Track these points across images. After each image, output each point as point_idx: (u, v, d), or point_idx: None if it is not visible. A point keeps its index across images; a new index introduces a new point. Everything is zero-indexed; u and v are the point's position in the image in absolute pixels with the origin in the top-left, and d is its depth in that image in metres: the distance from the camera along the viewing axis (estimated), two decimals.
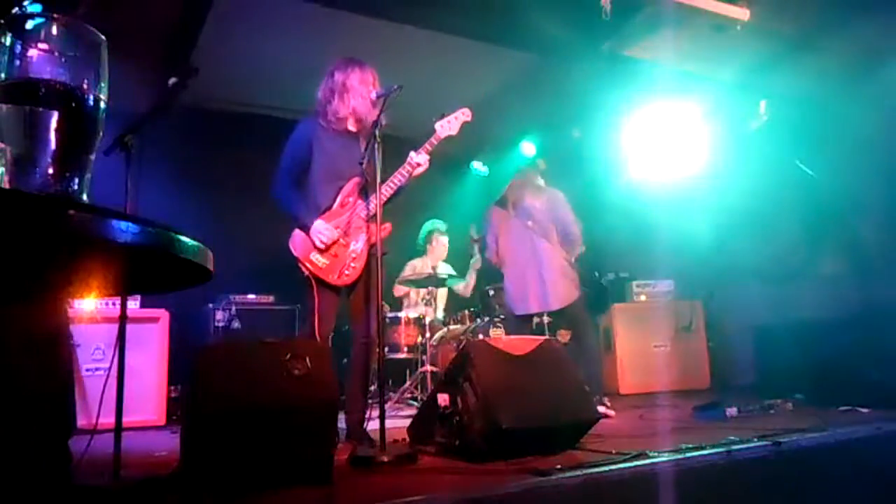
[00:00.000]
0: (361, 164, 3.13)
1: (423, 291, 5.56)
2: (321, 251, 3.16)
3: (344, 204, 3.23)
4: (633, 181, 6.14)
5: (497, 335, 5.00)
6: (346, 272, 3.18)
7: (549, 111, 6.07)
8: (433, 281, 5.35)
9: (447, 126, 3.38)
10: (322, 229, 3.14)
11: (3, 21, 0.85)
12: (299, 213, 3.19)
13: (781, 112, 5.52)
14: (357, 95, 3.26)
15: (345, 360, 5.09)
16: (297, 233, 3.19)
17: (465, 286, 5.71)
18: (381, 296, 2.88)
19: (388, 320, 5.06)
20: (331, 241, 3.14)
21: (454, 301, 5.87)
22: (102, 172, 1.13)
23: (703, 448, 2.48)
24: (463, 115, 3.42)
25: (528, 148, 6.84)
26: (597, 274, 5.75)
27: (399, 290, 5.71)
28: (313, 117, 3.33)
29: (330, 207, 3.21)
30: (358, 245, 3.21)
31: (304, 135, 3.29)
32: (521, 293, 4.36)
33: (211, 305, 4.92)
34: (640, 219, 5.86)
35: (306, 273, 3.15)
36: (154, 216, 0.82)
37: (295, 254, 3.16)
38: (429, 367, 4.78)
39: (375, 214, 2.96)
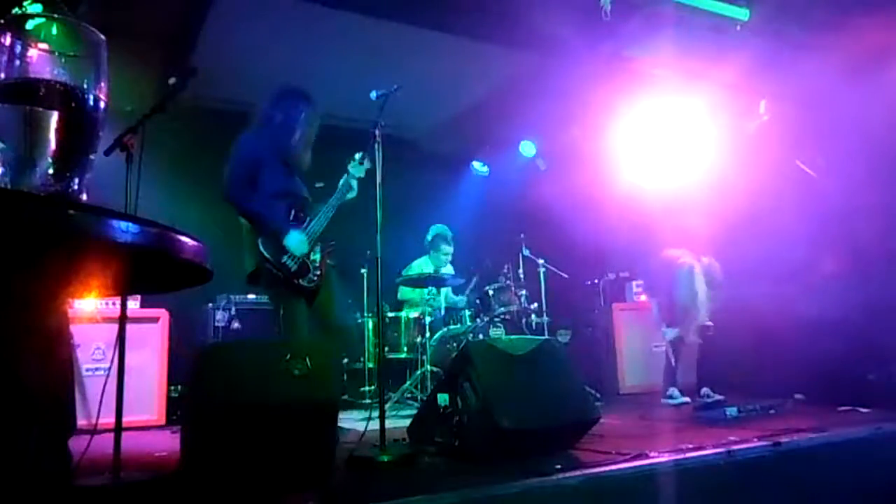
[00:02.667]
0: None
1: (423, 291, 5.56)
2: (292, 257, 3.19)
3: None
4: (633, 181, 6.14)
5: (497, 335, 4.99)
6: (314, 277, 3.24)
7: (549, 111, 6.07)
8: (433, 281, 5.35)
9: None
10: (300, 243, 3.21)
11: (3, 21, 0.85)
12: (275, 219, 3.21)
13: (781, 112, 5.51)
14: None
15: (345, 360, 5.12)
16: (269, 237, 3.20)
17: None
18: (379, 296, 2.88)
19: (388, 320, 5.06)
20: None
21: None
22: (102, 172, 1.13)
23: (703, 448, 2.48)
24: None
25: (528, 148, 6.84)
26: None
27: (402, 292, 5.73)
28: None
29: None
30: (316, 255, 3.30)
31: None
32: None
33: (211, 305, 4.91)
34: (639, 219, 5.85)
35: (280, 275, 3.14)
36: (154, 216, 0.82)
37: (267, 255, 3.14)
38: (429, 367, 4.78)
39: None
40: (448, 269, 5.73)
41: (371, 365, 5.05)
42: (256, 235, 3.17)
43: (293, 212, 3.31)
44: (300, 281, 3.19)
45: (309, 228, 3.32)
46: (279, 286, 3.17)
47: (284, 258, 3.17)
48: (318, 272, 3.27)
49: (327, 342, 3.30)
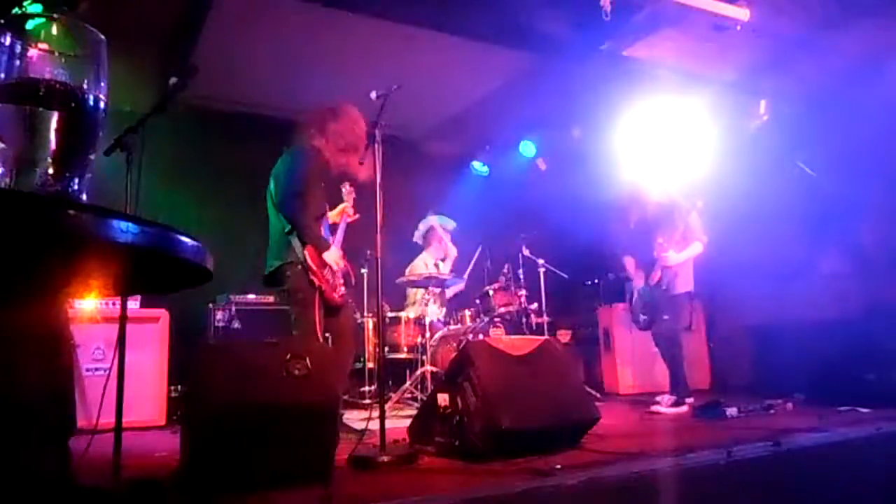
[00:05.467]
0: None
1: (422, 291, 5.56)
2: (331, 271, 3.33)
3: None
4: (633, 181, 6.14)
5: (497, 335, 4.99)
6: (341, 291, 3.39)
7: (549, 111, 6.07)
8: (433, 281, 5.35)
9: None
10: (337, 257, 3.36)
11: (3, 21, 0.85)
12: (319, 234, 3.35)
13: (781, 112, 5.51)
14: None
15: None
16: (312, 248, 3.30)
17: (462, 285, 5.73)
18: (380, 296, 2.88)
19: (388, 320, 5.06)
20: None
21: (454, 301, 5.87)
22: (102, 172, 1.13)
23: (703, 448, 2.48)
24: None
25: (528, 148, 6.84)
26: None
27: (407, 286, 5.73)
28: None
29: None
30: (338, 275, 3.44)
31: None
32: None
33: (211, 305, 4.92)
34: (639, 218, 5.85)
35: (317, 283, 3.22)
36: (154, 216, 0.82)
37: (312, 265, 3.22)
38: (429, 367, 4.78)
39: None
40: (447, 267, 5.73)
41: (371, 365, 5.05)
42: (300, 243, 3.25)
43: (323, 228, 3.46)
44: (334, 294, 3.31)
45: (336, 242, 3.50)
46: (307, 290, 3.23)
47: (326, 270, 3.29)
48: (343, 289, 3.42)
49: (338, 347, 3.40)
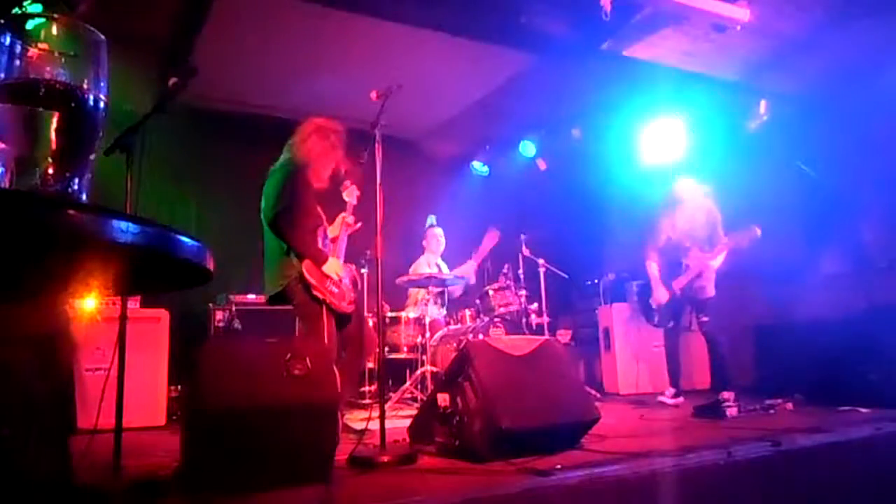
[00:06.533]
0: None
1: (423, 291, 5.56)
2: (333, 282, 3.32)
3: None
4: (632, 180, 6.15)
5: (497, 335, 4.99)
6: (350, 298, 3.41)
7: (549, 111, 6.07)
8: (434, 281, 5.35)
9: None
10: (338, 268, 3.36)
11: (3, 21, 0.85)
12: (315, 246, 3.34)
13: (781, 112, 5.51)
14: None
15: None
16: (310, 262, 3.28)
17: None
18: (380, 296, 2.88)
19: (388, 320, 5.05)
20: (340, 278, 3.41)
21: (454, 301, 5.87)
22: (102, 172, 1.13)
23: (703, 448, 2.48)
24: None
25: (528, 148, 6.85)
26: None
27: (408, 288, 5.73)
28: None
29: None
30: (346, 280, 3.44)
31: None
32: None
33: (211, 305, 4.92)
34: (640, 218, 5.86)
35: (321, 297, 3.22)
36: (154, 216, 0.82)
37: (312, 280, 3.21)
38: (429, 367, 4.77)
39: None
40: (444, 267, 5.73)
41: (371, 365, 5.05)
42: (298, 259, 3.24)
43: (321, 239, 3.45)
44: (341, 304, 3.32)
45: (337, 252, 3.49)
46: (312, 305, 3.23)
47: (328, 283, 3.28)
48: (351, 295, 3.42)
49: (348, 353, 3.42)
